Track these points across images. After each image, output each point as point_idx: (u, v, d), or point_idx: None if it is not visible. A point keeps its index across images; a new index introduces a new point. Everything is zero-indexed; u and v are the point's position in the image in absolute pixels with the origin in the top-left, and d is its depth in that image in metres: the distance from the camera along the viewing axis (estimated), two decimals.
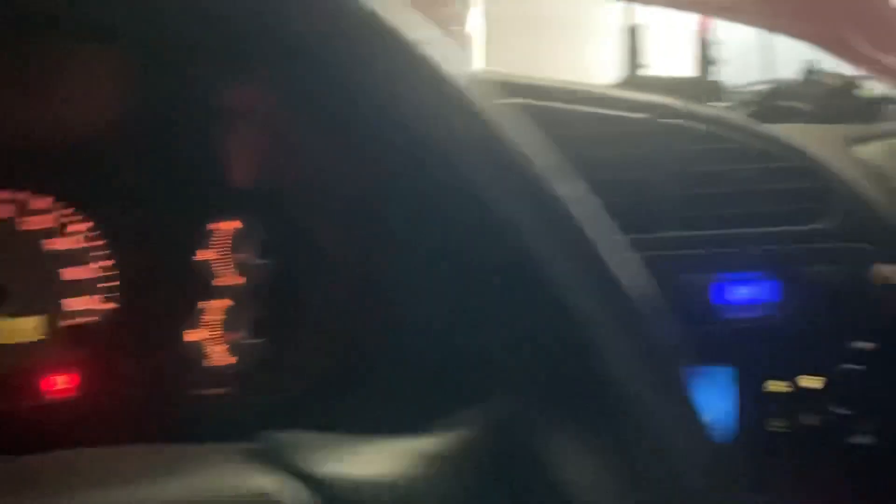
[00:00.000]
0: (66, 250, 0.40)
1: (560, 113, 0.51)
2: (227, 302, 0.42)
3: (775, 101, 0.83)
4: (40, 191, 0.38)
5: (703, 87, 0.80)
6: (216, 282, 0.42)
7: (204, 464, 0.21)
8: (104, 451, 0.23)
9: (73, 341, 0.40)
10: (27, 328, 0.39)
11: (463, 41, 2.40)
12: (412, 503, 0.19)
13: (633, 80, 0.76)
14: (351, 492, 0.19)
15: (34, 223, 0.39)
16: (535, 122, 0.51)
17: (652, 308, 0.24)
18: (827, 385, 0.57)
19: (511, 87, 0.50)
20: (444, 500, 0.19)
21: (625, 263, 0.25)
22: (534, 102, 0.50)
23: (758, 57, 1.24)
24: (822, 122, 0.81)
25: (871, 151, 0.74)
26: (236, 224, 0.42)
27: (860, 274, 0.57)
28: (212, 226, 0.41)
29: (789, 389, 0.56)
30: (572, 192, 0.25)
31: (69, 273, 0.40)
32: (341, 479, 0.19)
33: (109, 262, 0.39)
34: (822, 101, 0.81)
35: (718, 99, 0.83)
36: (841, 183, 0.59)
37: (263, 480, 0.19)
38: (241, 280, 0.42)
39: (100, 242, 0.39)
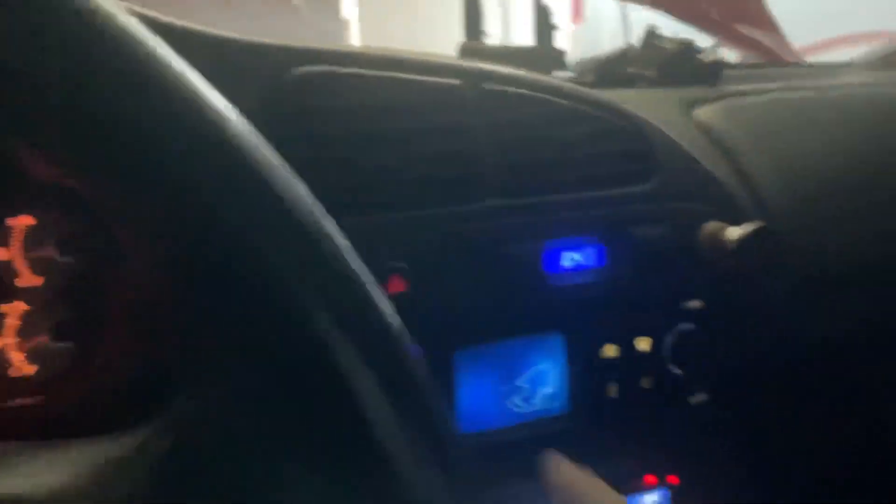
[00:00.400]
0: None
1: (370, 80, 0.49)
2: (22, 305, 0.40)
3: (619, 67, 0.84)
4: None
5: (545, 55, 0.80)
6: (15, 283, 0.39)
7: None
8: None
9: None
10: None
11: (341, 26, 2.38)
12: None
13: (470, 49, 0.75)
14: None
15: None
16: (344, 92, 0.49)
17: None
18: (661, 346, 0.58)
19: (317, 56, 0.49)
20: None
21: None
22: (340, 70, 0.48)
23: (619, 27, 1.26)
24: (665, 86, 0.83)
25: (708, 113, 0.77)
26: (30, 220, 0.39)
27: (689, 234, 0.58)
28: (10, 221, 0.38)
29: (624, 354, 0.57)
30: None
31: None
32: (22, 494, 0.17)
33: None
34: (664, 66, 0.83)
35: (562, 67, 0.83)
36: (669, 144, 0.60)
37: None
38: (40, 280, 0.39)
39: None
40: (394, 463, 0.21)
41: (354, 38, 2.34)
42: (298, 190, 0.25)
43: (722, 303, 0.59)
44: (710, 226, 0.58)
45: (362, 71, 0.49)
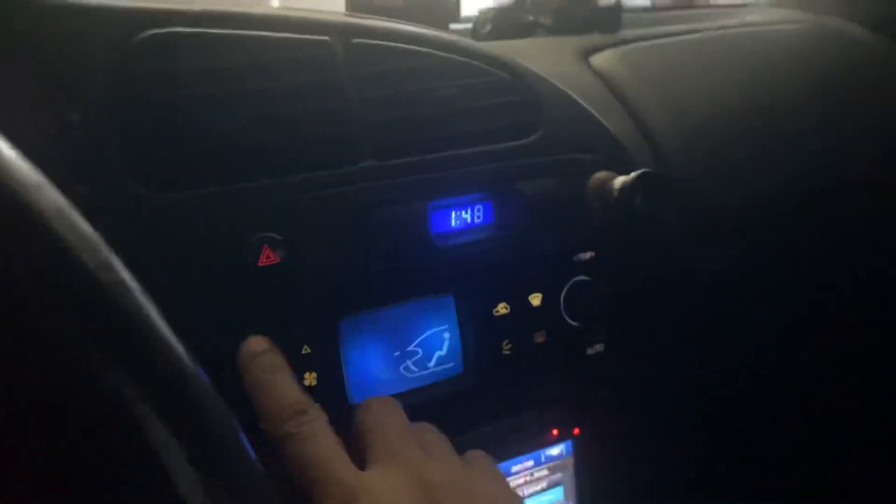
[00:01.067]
0: None
1: (223, 40, 0.46)
2: None
3: (516, 17, 0.83)
4: None
5: (438, 8, 0.77)
6: None
7: None
8: None
9: None
10: None
11: None
12: None
13: (358, 3, 0.72)
14: None
15: None
16: (194, 53, 0.46)
17: None
18: (555, 300, 0.57)
19: (166, 18, 0.45)
20: None
21: None
22: (188, 31, 0.45)
23: None
24: (563, 34, 0.82)
25: (603, 60, 0.76)
26: None
27: (578, 185, 0.57)
28: None
29: (518, 310, 0.56)
30: None
31: None
32: None
33: None
34: (560, 13, 0.81)
35: (457, 20, 0.81)
36: (556, 94, 0.59)
37: None
38: None
39: None
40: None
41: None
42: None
43: (612, 252, 0.59)
44: (599, 175, 0.57)
45: (214, 31, 0.46)
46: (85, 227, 0.18)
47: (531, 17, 0.83)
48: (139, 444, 0.18)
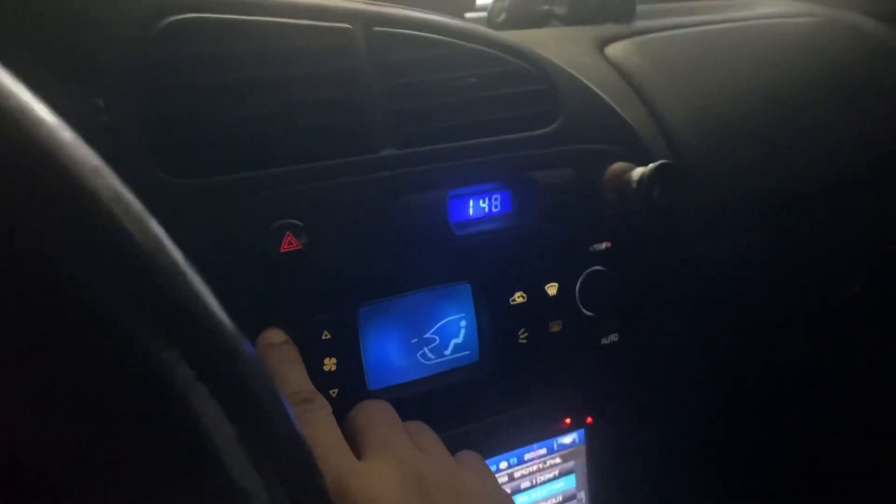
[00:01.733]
0: None
1: (245, 26, 0.46)
2: None
3: (530, 6, 0.82)
4: None
5: None
6: None
7: None
8: None
9: None
10: None
11: None
12: None
13: None
14: None
15: None
16: (217, 39, 0.46)
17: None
18: (571, 289, 0.58)
19: (188, 3, 0.45)
20: None
21: None
22: (211, 17, 0.45)
23: None
24: (578, 24, 0.82)
25: (619, 51, 0.76)
26: None
27: (595, 176, 0.57)
28: None
29: (534, 299, 0.56)
30: None
31: None
32: None
33: None
34: (576, 3, 0.81)
35: (473, 9, 0.81)
36: (574, 84, 0.59)
37: None
38: None
39: None
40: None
41: None
42: None
43: (627, 242, 0.59)
44: (616, 166, 0.57)
45: (236, 17, 0.46)
46: (141, 210, 0.19)
47: (546, 7, 0.83)
48: (189, 425, 0.19)
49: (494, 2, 0.86)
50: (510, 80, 0.55)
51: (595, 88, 0.61)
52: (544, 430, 0.62)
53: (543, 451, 0.63)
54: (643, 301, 0.61)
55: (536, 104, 0.56)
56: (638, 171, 0.56)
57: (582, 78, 0.60)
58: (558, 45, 0.75)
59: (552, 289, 0.57)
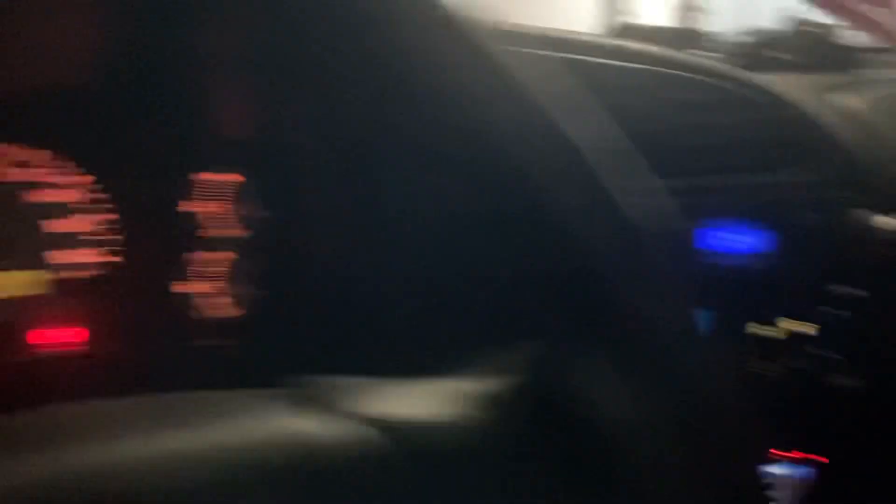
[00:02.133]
0: (61, 203, 0.38)
1: (562, 63, 0.50)
2: (230, 255, 0.42)
3: (758, 51, 0.83)
4: (35, 144, 0.37)
5: (685, 36, 0.80)
6: (218, 234, 0.41)
7: (243, 409, 0.21)
8: (118, 403, 0.22)
9: (71, 295, 0.39)
10: (20, 282, 0.38)
11: None
12: (475, 445, 0.19)
13: (620, 29, 0.75)
14: (416, 433, 0.19)
15: (24, 176, 0.37)
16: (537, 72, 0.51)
17: (660, 240, 0.25)
18: (813, 329, 0.58)
19: (515, 38, 0.49)
20: (501, 441, 0.20)
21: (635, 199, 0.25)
22: (536, 52, 0.49)
23: (736, 5, 1.24)
24: (803, 71, 0.82)
25: (849, 100, 0.76)
26: (238, 176, 0.41)
27: (840, 220, 0.58)
28: (213, 177, 0.41)
29: (773, 333, 0.57)
30: (587, 132, 0.25)
31: (64, 226, 0.39)
32: (403, 421, 0.19)
33: (109, 216, 0.39)
34: (803, 51, 0.82)
35: (700, 48, 0.83)
36: (824, 132, 0.60)
37: (317, 422, 0.19)
38: (245, 233, 0.42)
39: (99, 195, 0.38)
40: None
41: None
42: None
43: (874, 290, 0.59)
44: (865, 212, 0.58)
45: (553, 54, 0.50)
46: None
47: (769, 53, 0.84)
48: None
49: (714, 41, 0.88)
50: (771, 124, 0.57)
51: (843, 138, 0.61)
52: (768, 456, 0.62)
53: None
54: (886, 348, 0.61)
55: (791, 148, 0.57)
56: (886, 220, 0.56)
57: (839, 128, 0.61)
58: (787, 91, 0.75)
59: (794, 325, 0.58)
